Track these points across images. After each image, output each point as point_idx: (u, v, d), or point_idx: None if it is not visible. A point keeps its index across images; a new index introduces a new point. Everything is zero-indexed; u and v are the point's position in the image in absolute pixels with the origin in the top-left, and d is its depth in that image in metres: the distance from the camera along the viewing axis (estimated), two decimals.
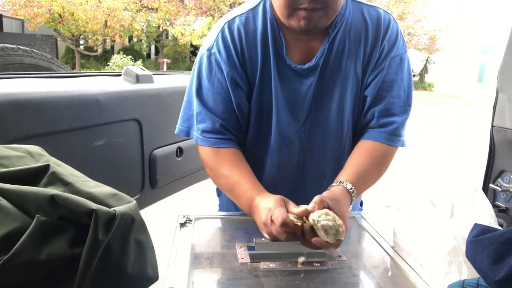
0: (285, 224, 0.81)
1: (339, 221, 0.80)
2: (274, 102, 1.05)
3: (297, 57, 1.04)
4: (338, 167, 1.13)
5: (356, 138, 1.12)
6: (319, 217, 0.80)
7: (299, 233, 0.82)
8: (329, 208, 0.83)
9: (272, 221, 0.83)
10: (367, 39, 1.04)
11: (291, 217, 0.82)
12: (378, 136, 1.05)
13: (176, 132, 1.12)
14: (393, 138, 1.05)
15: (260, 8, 1.04)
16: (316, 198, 0.84)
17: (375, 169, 1.03)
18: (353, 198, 0.95)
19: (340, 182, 0.95)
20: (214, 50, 1.03)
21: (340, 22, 1.02)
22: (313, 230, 0.82)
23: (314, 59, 1.03)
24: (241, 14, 1.04)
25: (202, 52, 1.07)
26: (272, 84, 1.04)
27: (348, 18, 1.03)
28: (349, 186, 0.94)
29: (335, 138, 1.10)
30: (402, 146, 1.08)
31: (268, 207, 0.86)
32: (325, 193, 0.90)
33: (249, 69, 1.04)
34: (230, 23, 1.03)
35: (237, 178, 1.00)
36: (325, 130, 1.09)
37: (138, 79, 1.70)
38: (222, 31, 1.03)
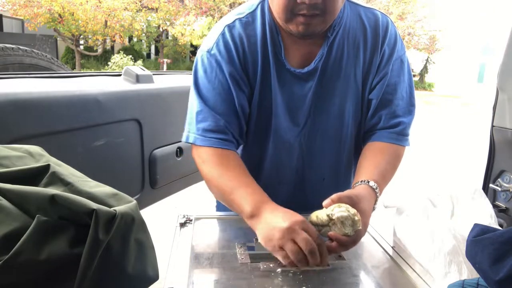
0: (321, 240, 0.79)
1: (353, 210, 0.79)
2: (273, 106, 1.05)
3: (296, 61, 1.04)
4: (337, 170, 1.14)
5: (359, 141, 1.13)
6: (333, 210, 0.80)
7: (317, 257, 0.77)
8: (348, 204, 0.82)
9: (304, 229, 0.78)
10: (366, 44, 1.04)
11: None
12: (387, 136, 1.06)
13: (182, 139, 1.07)
14: (401, 138, 1.06)
15: (258, 11, 1.03)
16: (333, 195, 0.83)
17: (391, 167, 1.03)
18: (377, 195, 0.94)
19: (362, 181, 0.94)
20: (215, 51, 1.02)
21: (338, 26, 1.02)
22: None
23: (313, 62, 1.03)
24: (240, 18, 1.03)
25: (201, 55, 1.05)
26: (271, 88, 1.03)
27: (346, 22, 1.03)
28: (372, 183, 0.93)
29: (334, 141, 1.10)
30: (408, 145, 1.09)
31: (299, 217, 0.80)
32: (346, 191, 0.87)
33: (251, 74, 1.03)
34: (230, 26, 1.03)
35: (245, 181, 0.95)
36: (325, 133, 1.09)
37: (138, 79, 1.70)
38: (223, 33, 1.02)
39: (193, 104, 1.04)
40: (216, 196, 1.01)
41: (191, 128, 1.03)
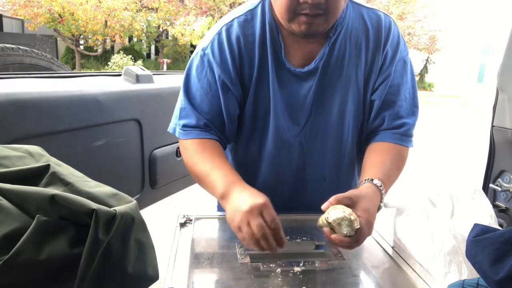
0: (276, 224, 0.79)
1: (348, 210, 0.79)
2: (272, 105, 1.04)
3: (297, 60, 1.03)
4: (338, 170, 1.13)
5: (361, 141, 1.12)
6: (328, 213, 0.80)
7: (274, 244, 0.80)
8: (348, 205, 0.82)
9: (261, 215, 0.80)
10: (368, 44, 1.03)
11: None
12: (391, 137, 1.05)
13: (168, 129, 1.10)
14: (405, 139, 1.06)
15: (259, 10, 1.03)
16: (331, 198, 0.83)
17: (395, 168, 1.03)
18: (382, 194, 0.93)
19: (366, 179, 0.94)
20: (208, 51, 1.02)
21: (340, 26, 1.01)
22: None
23: (313, 62, 1.02)
24: (239, 16, 1.03)
25: (196, 52, 1.06)
26: (270, 87, 1.03)
27: (348, 22, 1.03)
28: (376, 181, 0.93)
29: (335, 141, 1.10)
30: (411, 146, 1.08)
31: (260, 200, 0.82)
32: (346, 192, 0.87)
33: (246, 74, 1.03)
34: (228, 26, 1.02)
35: (220, 164, 0.97)
36: (326, 133, 1.08)
37: (138, 79, 1.70)
38: (219, 33, 1.02)
39: (180, 98, 1.07)
40: (196, 181, 1.03)
41: (175, 121, 1.07)
